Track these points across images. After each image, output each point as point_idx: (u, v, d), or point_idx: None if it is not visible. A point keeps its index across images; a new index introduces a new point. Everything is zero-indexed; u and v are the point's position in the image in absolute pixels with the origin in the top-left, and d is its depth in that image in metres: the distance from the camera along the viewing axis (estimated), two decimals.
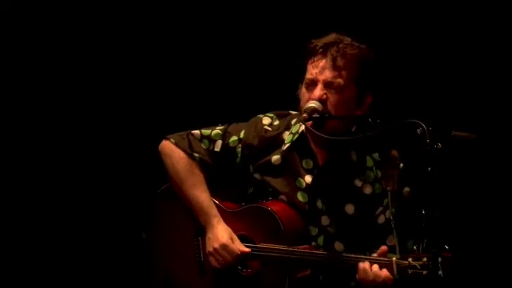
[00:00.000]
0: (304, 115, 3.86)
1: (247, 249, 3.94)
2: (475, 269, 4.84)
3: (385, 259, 3.74)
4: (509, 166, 4.93)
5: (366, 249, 3.83)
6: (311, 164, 3.99)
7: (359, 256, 3.79)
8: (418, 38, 5.06)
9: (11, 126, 5.30)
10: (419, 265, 3.64)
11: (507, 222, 4.93)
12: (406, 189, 3.94)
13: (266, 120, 4.08)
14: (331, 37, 3.93)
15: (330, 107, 3.88)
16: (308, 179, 3.98)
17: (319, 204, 3.97)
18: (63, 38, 5.28)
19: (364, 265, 3.75)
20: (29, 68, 5.30)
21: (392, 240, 3.84)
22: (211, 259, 3.99)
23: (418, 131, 3.62)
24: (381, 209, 3.95)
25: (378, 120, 3.84)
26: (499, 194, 4.95)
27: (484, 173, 4.95)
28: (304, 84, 3.95)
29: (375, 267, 3.73)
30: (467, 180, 4.94)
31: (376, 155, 3.99)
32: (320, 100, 3.87)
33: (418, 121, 3.63)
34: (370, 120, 3.92)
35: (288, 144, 4.02)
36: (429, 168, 3.55)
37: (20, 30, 5.25)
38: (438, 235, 3.56)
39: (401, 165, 3.93)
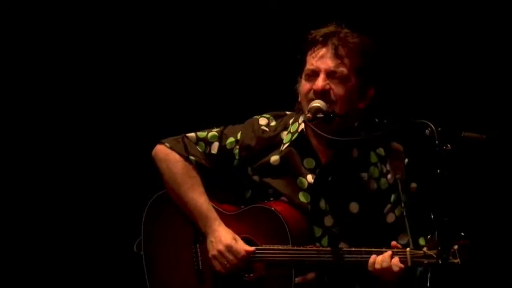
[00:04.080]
0: (309, 115, 3.74)
1: (251, 248, 3.81)
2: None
3: (399, 249, 3.62)
4: None
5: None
6: (313, 163, 3.87)
7: (370, 249, 3.65)
8: (427, 35, 4.98)
9: (9, 127, 5.26)
10: (435, 254, 3.52)
11: (507, 222, 4.89)
12: (413, 185, 3.84)
13: (263, 121, 3.97)
14: (331, 27, 3.84)
15: (333, 97, 3.76)
16: (310, 178, 3.86)
17: (322, 204, 3.85)
18: (63, 39, 5.24)
19: (372, 257, 3.64)
20: (28, 68, 5.25)
21: (404, 238, 3.74)
22: (215, 263, 3.85)
23: (427, 131, 3.54)
24: (388, 206, 3.83)
25: (385, 121, 3.75)
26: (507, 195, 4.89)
27: (494, 175, 4.88)
28: (304, 75, 3.83)
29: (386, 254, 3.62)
30: (477, 182, 4.87)
31: (380, 150, 3.88)
32: (323, 91, 3.75)
33: (427, 121, 3.54)
34: (376, 120, 3.83)
35: (287, 144, 3.90)
36: (438, 171, 3.46)
37: (20, 30, 5.22)
38: (450, 229, 3.47)
39: (406, 160, 3.85)
